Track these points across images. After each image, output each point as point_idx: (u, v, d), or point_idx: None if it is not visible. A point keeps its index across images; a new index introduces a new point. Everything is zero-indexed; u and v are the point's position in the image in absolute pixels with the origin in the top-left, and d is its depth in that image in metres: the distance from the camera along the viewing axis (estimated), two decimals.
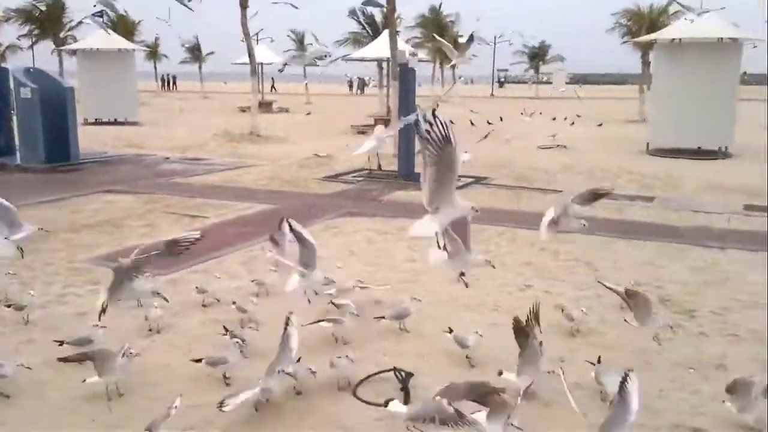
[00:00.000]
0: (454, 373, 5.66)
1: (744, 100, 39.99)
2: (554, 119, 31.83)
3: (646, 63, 35.65)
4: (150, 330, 6.50)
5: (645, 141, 21.67)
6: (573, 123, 30.60)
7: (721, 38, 20.20)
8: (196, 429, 4.78)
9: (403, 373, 5.30)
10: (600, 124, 30.47)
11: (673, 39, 21.06)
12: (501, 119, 32.16)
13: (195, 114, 37.10)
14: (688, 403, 5.20)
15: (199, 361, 5.43)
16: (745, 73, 74.20)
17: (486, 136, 21.95)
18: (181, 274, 8.28)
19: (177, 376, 5.57)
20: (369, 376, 5.46)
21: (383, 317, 6.51)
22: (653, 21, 35.32)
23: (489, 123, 29.95)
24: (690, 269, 8.77)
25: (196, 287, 7.35)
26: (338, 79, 76.87)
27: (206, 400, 5.17)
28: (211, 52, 64.74)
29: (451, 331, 5.93)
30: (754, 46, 23.81)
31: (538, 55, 68.83)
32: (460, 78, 66.09)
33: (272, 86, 63.20)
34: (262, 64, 41.53)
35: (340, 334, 6.25)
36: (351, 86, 75.07)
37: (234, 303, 6.81)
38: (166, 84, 74.59)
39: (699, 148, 20.06)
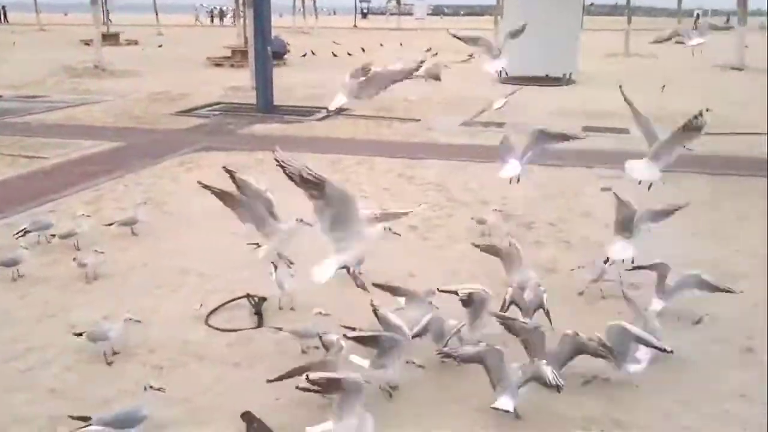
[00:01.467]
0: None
1: (590, 30, 42.60)
2: (428, 50, 31.94)
3: None
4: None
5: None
6: (436, 54, 31.09)
7: None
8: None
9: (256, 298, 5.34)
10: (471, 55, 30.90)
11: None
12: (363, 50, 32.01)
13: (31, 48, 33.63)
14: None
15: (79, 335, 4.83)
16: (592, 3, 78.60)
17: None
18: (19, 217, 7.68)
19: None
20: (222, 305, 5.46)
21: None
22: None
23: (349, 54, 29.81)
24: (531, 186, 9.37)
25: (53, 235, 6.84)
26: (191, 10, 72.48)
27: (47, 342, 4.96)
28: None
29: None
30: None
31: None
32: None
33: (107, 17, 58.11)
34: None
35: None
36: (212, 18, 71.24)
37: (74, 259, 6.39)
38: None
39: (546, 75, 21.15)
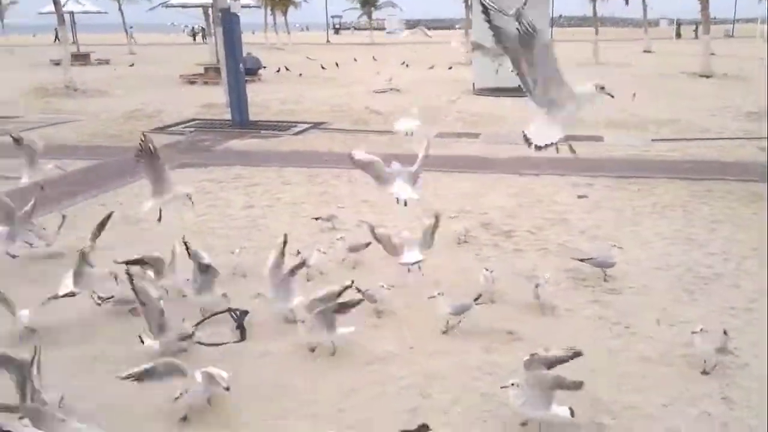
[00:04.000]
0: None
1: (559, 40, 43.26)
2: (405, 65, 31.99)
3: (469, 7, 37.02)
4: None
5: (471, 82, 22.73)
6: (408, 66, 31.37)
7: None
8: None
9: (237, 312, 5.32)
10: (450, 67, 31.23)
11: None
12: (337, 65, 32.17)
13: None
14: (507, 308, 5.77)
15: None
16: (560, 16, 79.90)
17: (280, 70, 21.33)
18: None
19: None
20: (204, 319, 5.42)
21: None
22: None
23: (323, 68, 29.97)
24: (508, 195, 9.51)
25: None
26: (162, 28, 72.24)
27: None
28: (14, 1, 57.81)
29: None
30: None
31: (369, 2, 69.12)
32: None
33: (56, 38, 57.91)
34: (72, 12, 37.94)
35: None
36: (194, 35, 70.67)
37: None
38: None
39: (519, 86, 21.37)
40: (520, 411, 4.06)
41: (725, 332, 4.80)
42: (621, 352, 5.10)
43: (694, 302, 5.94)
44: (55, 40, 53.67)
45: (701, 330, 4.80)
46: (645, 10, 44.05)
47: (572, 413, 4.03)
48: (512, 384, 4.03)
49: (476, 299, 5.45)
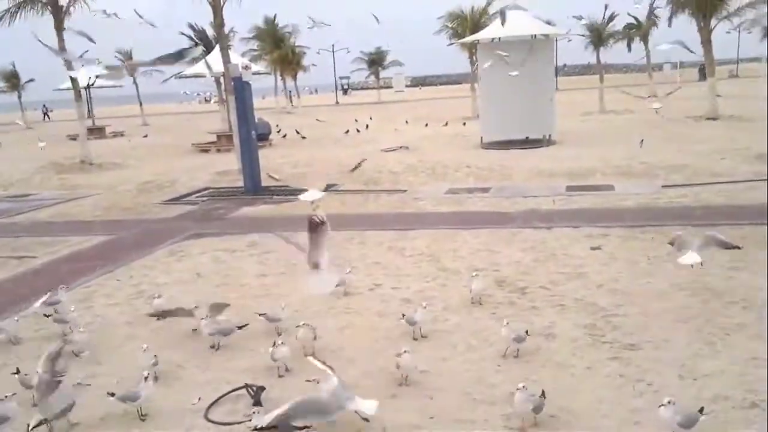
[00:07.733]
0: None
1: (565, 89, 43.85)
2: (427, 125, 31.90)
3: (474, 62, 37.62)
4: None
5: (479, 136, 22.98)
6: (426, 125, 31.40)
7: (535, 35, 21.95)
8: None
9: (254, 388, 5.28)
10: (446, 124, 31.42)
11: (493, 38, 22.53)
12: (347, 132, 32.47)
13: (17, 147, 34.00)
14: (525, 369, 5.65)
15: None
16: (564, 65, 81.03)
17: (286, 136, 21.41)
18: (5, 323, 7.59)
19: None
20: (221, 397, 5.38)
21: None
22: (475, 22, 37.26)
23: (348, 130, 30.19)
24: (521, 250, 9.47)
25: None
26: (175, 97, 74.18)
27: None
28: (31, 79, 59.51)
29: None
30: (569, 40, 26.07)
31: (376, 62, 70.73)
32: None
33: (45, 113, 62.39)
34: (88, 87, 39.04)
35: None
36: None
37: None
38: None
39: (527, 138, 21.63)
40: None
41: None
42: (645, 411, 4.98)
43: (717, 354, 5.82)
44: (44, 117, 56.71)
45: (669, 402, 4.52)
46: (648, 55, 44.66)
47: None
48: None
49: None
